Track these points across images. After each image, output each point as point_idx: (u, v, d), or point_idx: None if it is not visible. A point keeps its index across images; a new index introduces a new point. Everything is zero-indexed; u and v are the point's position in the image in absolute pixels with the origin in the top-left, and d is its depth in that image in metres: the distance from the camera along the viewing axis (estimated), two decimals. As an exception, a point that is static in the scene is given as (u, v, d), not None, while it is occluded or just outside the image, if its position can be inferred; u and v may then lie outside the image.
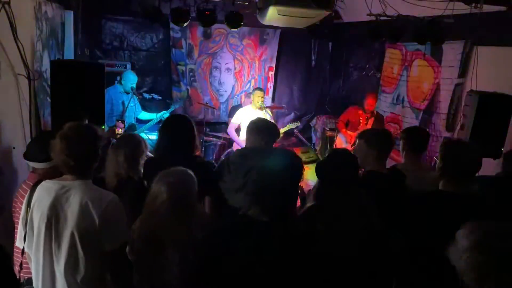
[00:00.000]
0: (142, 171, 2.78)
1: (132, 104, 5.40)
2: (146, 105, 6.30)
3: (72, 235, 1.95)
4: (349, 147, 5.89)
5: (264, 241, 1.74)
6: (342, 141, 6.19)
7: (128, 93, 5.38)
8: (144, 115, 5.72)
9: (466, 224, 1.27)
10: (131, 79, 5.41)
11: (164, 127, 2.95)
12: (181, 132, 2.81)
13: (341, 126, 6.15)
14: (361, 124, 5.98)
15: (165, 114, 5.57)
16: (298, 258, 1.73)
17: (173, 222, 2.03)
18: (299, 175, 1.85)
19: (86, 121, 3.24)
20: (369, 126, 5.90)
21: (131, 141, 2.82)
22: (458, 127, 4.84)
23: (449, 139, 4.78)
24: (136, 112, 5.60)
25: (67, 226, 1.95)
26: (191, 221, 2.07)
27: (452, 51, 5.00)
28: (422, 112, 5.68)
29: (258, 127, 3.03)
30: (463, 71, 4.84)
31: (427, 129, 5.51)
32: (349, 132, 6.05)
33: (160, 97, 6.62)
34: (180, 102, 6.78)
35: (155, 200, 2.07)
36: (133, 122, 5.53)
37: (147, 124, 5.66)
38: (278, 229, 1.78)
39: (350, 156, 2.34)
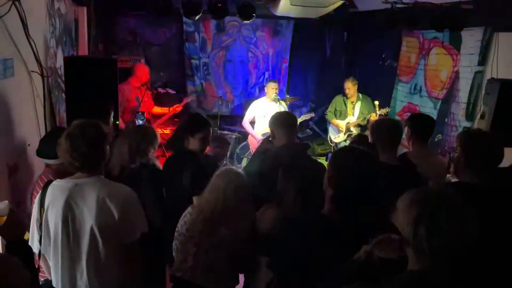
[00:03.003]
0: (152, 161, 2.87)
1: (146, 99, 5.41)
2: (160, 100, 6.30)
3: (91, 231, 1.94)
4: (342, 136, 5.94)
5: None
6: (334, 132, 6.19)
7: (143, 87, 5.37)
8: (157, 110, 5.72)
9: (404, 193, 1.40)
10: (146, 71, 5.41)
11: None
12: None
13: (330, 116, 6.17)
14: (348, 110, 5.97)
15: (177, 108, 5.60)
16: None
17: (234, 207, 2.21)
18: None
19: (112, 114, 3.38)
20: (357, 110, 5.90)
21: (137, 132, 2.92)
22: (478, 116, 4.72)
23: (469, 129, 4.67)
24: (149, 107, 5.61)
25: (85, 223, 1.95)
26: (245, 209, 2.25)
27: (471, 38, 4.85)
28: (440, 102, 5.55)
29: (283, 121, 3.00)
30: (483, 59, 4.69)
31: (446, 119, 5.39)
32: (338, 121, 6.04)
33: (174, 92, 6.62)
34: (193, 94, 6.77)
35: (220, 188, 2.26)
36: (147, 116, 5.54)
37: (161, 118, 5.68)
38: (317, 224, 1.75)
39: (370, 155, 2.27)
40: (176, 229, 2.39)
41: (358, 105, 5.92)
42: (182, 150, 2.97)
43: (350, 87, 5.88)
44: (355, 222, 1.69)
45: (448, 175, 3.06)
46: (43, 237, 2.05)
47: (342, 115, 6.03)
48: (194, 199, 2.52)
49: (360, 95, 5.99)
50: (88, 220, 1.94)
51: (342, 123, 5.96)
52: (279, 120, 3.02)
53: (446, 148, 5.34)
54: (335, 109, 6.12)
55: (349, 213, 1.72)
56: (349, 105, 5.97)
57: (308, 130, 7.53)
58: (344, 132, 5.94)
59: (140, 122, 4.72)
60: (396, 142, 2.76)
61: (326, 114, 6.32)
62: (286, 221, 1.91)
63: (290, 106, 7.40)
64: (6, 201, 1.87)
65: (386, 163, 2.59)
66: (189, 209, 2.41)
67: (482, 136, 2.25)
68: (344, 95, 6.01)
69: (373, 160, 1.81)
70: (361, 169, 1.73)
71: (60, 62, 3.89)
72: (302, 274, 1.71)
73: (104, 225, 1.94)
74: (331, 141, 6.26)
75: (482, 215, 1.70)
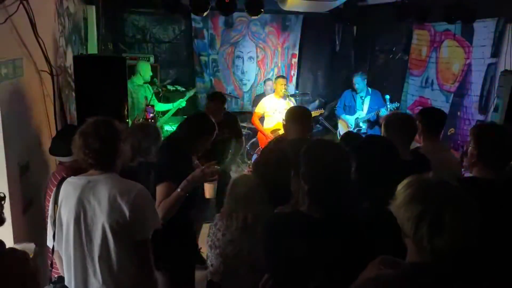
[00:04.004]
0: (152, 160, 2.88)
1: (149, 96, 5.42)
2: (170, 97, 6.31)
3: (103, 228, 1.95)
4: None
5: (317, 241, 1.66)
6: (343, 127, 6.10)
7: (150, 84, 5.39)
8: (161, 107, 5.73)
9: (404, 181, 1.36)
10: (149, 68, 5.44)
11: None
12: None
13: (339, 111, 6.11)
14: (357, 105, 5.90)
15: (182, 102, 5.60)
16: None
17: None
18: (349, 166, 1.76)
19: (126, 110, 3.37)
20: (366, 105, 5.82)
21: (140, 131, 2.95)
22: (492, 109, 4.65)
23: (482, 122, 4.59)
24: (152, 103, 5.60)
25: (96, 220, 1.96)
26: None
27: (484, 29, 4.77)
28: (453, 95, 5.47)
29: (296, 116, 2.99)
30: (496, 51, 4.61)
31: (459, 113, 5.31)
32: (347, 116, 5.97)
33: (184, 89, 6.62)
34: (195, 90, 6.72)
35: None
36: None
37: (166, 115, 5.69)
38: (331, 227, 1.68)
39: (388, 144, 2.22)
40: (208, 236, 2.40)
41: (367, 100, 5.85)
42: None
43: (359, 82, 5.81)
44: (335, 217, 1.66)
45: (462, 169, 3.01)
46: (56, 233, 2.07)
47: (352, 110, 5.97)
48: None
49: (370, 89, 5.92)
50: (99, 217, 1.95)
51: (351, 118, 5.91)
52: (292, 115, 3.00)
53: (459, 142, 5.27)
54: (344, 104, 6.06)
55: (327, 208, 1.69)
56: (359, 100, 5.90)
57: (318, 126, 7.48)
58: (353, 127, 5.88)
59: (151, 115, 4.76)
60: (408, 137, 2.71)
61: (335, 109, 6.26)
62: (270, 219, 1.89)
63: (300, 102, 7.36)
64: (33, 244, 1.95)
65: (400, 159, 2.55)
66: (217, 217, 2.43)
67: (496, 129, 2.20)
68: (354, 90, 5.95)
69: (343, 151, 1.78)
70: (331, 161, 1.70)
71: (69, 61, 3.91)
72: (291, 274, 1.69)
73: (115, 223, 1.94)
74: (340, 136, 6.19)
75: (496, 210, 1.66)
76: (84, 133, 1.96)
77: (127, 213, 1.93)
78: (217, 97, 4.13)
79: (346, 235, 1.60)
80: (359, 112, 5.87)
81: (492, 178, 2.04)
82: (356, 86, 5.84)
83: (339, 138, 6.20)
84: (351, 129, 5.88)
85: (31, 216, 2.64)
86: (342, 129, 6.13)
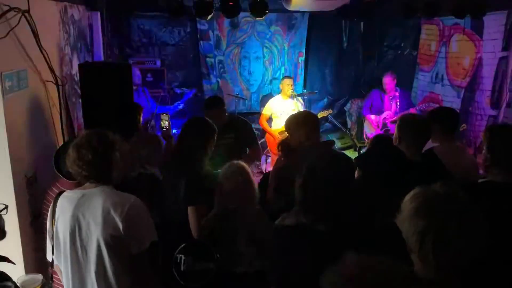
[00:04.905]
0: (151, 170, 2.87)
1: (144, 100, 5.40)
2: (177, 100, 6.30)
3: (98, 243, 1.93)
4: (377, 132, 5.69)
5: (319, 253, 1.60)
6: (369, 127, 5.93)
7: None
8: (160, 110, 5.62)
9: (411, 192, 1.33)
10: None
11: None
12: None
13: (365, 112, 5.92)
14: (385, 105, 5.71)
15: (179, 105, 5.54)
16: None
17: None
18: (352, 179, 1.69)
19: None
20: (394, 106, 5.61)
21: (140, 141, 2.88)
22: (504, 104, 4.55)
23: (495, 124, 4.47)
24: (152, 107, 5.56)
25: (91, 235, 1.94)
26: None
27: (494, 22, 4.67)
28: (464, 90, 5.38)
29: (299, 121, 2.87)
30: (508, 44, 4.51)
31: (470, 108, 5.21)
32: (373, 116, 5.79)
33: (191, 91, 6.62)
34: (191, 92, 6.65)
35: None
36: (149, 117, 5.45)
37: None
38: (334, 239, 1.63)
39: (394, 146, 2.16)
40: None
41: (396, 100, 5.61)
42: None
43: (389, 82, 5.56)
44: (336, 228, 1.61)
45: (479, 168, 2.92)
46: (55, 248, 2.06)
47: (379, 110, 5.74)
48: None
49: (399, 89, 5.67)
50: (94, 232, 1.93)
51: (378, 118, 5.68)
52: (292, 120, 2.92)
53: (471, 138, 5.17)
54: (372, 104, 5.84)
55: (328, 219, 1.64)
56: (387, 100, 5.67)
57: (327, 124, 7.41)
58: (381, 128, 5.67)
59: (166, 123, 4.60)
60: (421, 138, 2.63)
61: (361, 108, 6.03)
62: (275, 230, 1.83)
63: (308, 100, 7.30)
64: (40, 275, 1.99)
65: (409, 159, 2.49)
66: None
67: (508, 131, 2.12)
68: (382, 90, 5.70)
69: (345, 165, 1.72)
70: (334, 178, 1.65)
71: (75, 69, 3.91)
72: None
73: (109, 237, 1.91)
74: (366, 137, 5.94)
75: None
76: (77, 145, 1.94)
77: (120, 226, 1.90)
78: (213, 105, 3.74)
79: (350, 247, 1.55)
80: (387, 112, 5.64)
81: (507, 181, 1.98)
82: (387, 86, 5.59)
83: (366, 140, 6.08)
84: (378, 129, 5.70)
85: (40, 227, 2.63)
86: (368, 130, 5.94)
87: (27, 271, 2.40)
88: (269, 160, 5.70)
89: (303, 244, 1.64)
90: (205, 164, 2.77)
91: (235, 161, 2.54)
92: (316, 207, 1.65)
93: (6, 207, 1.76)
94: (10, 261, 1.72)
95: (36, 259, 2.58)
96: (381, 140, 2.77)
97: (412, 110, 5.35)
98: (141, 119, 3.52)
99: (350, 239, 1.57)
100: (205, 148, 2.80)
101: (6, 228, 1.78)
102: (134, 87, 5.30)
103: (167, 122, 4.53)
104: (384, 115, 5.67)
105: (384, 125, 5.67)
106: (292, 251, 1.65)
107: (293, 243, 1.67)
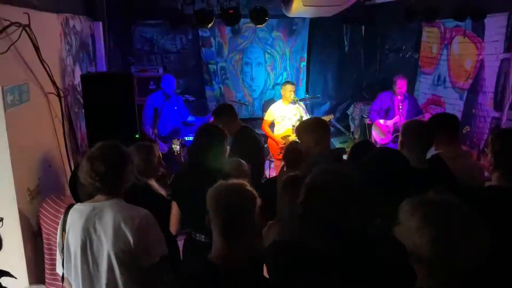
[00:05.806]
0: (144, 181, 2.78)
1: (175, 107, 5.27)
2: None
3: (109, 256, 1.94)
4: (388, 137, 5.59)
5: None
6: (378, 132, 5.72)
7: (169, 97, 5.25)
8: (191, 118, 5.54)
9: (407, 203, 1.32)
10: (172, 81, 5.27)
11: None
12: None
13: (373, 116, 5.69)
14: (395, 109, 5.52)
15: (211, 118, 5.42)
16: None
17: None
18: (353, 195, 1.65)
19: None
20: (403, 111, 5.43)
21: (137, 152, 2.74)
22: (507, 106, 4.53)
23: (500, 129, 4.43)
24: (183, 115, 5.44)
25: (102, 248, 1.95)
26: None
27: (495, 24, 4.66)
28: (466, 92, 5.36)
29: (309, 126, 2.85)
30: (509, 45, 4.49)
31: (473, 110, 5.19)
32: (382, 121, 5.59)
33: (193, 98, 6.63)
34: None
35: None
36: (178, 125, 5.36)
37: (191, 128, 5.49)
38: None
39: (400, 157, 2.14)
40: None
41: (405, 104, 5.46)
42: None
43: (403, 85, 5.37)
44: (336, 246, 1.55)
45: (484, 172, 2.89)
46: (65, 261, 2.06)
47: (388, 114, 5.55)
48: None
49: (407, 94, 5.53)
50: (105, 246, 1.94)
51: (389, 123, 5.53)
52: (305, 128, 2.89)
53: (474, 140, 5.15)
54: (381, 108, 5.64)
55: (328, 236, 1.58)
56: (396, 104, 5.49)
57: (330, 128, 7.40)
58: (392, 133, 5.51)
59: (177, 147, 4.47)
60: (424, 144, 2.61)
61: (369, 112, 5.83)
62: (271, 246, 1.78)
63: (310, 105, 7.31)
64: (44, 286, 1.95)
65: (413, 166, 2.48)
66: None
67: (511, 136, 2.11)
68: (394, 92, 5.49)
69: (347, 181, 1.64)
70: (334, 192, 1.58)
71: (78, 79, 3.94)
72: None
73: (120, 250, 1.92)
74: (375, 142, 5.67)
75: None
76: (91, 157, 1.95)
77: (131, 240, 1.91)
78: (223, 113, 3.79)
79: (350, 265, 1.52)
80: (398, 117, 5.42)
81: (510, 187, 1.97)
82: (400, 90, 5.38)
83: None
84: (389, 134, 5.52)
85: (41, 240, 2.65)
86: (377, 135, 5.72)
87: (31, 283, 2.41)
88: (272, 165, 5.70)
89: (303, 261, 1.62)
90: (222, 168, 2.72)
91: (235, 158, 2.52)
92: (316, 225, 1.62)
93: (1, 219, 1.77)
94: (11, 276, 1.73)
95: (40, 271, 2.59)
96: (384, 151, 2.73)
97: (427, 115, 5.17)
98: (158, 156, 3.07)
99: (350, 257, 1.55)
100: (222, 152, 2.76)
101: (7, 241, 1.79)
102: (169, 96, 5.16)
103: (178, 147, 4.51)
104: (395, 119, 5.45)
105: (396, 130, 5.41)
106: (292, 268, 1.63)
107: (293, 260, 1.65)
